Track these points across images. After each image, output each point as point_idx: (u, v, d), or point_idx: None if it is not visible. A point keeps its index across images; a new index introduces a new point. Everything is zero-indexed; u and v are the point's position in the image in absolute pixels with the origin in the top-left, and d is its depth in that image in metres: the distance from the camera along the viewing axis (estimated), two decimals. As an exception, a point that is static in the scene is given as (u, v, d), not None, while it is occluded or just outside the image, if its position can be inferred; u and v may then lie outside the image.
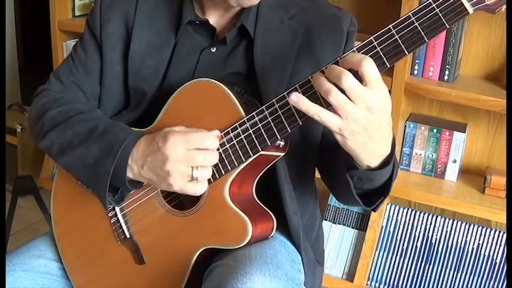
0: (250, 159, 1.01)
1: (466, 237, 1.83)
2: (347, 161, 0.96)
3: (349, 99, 0.85)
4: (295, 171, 1.12)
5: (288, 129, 0.97)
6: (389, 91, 1.72)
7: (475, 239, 1.82)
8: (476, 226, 1.82)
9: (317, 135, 1.13)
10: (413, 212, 1.88)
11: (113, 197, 1.08)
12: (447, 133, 1.80)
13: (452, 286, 1.83)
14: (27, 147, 2.53)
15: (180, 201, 1.11)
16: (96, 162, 1.03)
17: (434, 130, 1.81)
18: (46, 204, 2.18)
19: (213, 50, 1.13)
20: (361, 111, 0.86)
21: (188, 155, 0.97)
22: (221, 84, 1.02)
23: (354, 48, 0.91)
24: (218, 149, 1.00)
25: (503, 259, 1.78)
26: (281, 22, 1.10)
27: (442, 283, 1.84)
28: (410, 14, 0.89)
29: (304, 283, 1.14)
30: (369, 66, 0.84)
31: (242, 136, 1.00)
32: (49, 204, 1.23)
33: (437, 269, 1.85)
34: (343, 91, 0.86)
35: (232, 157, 1.01)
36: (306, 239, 1.17)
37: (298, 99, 0.89)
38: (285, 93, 0.97)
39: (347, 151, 0.93)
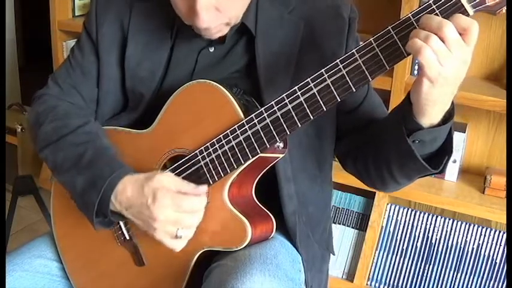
0: (249, 162, 1.01)
1: (466, 237, 1.82)
2: (408, 124, 0.94)
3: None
4: (302, 167, 1.12)
5: (287, 131, 0.97)
6: (389, 91, 1.74)
7: (475, 239, 1.82)
8: (476, 226, 1.82)
9: (331, 127, 1.13)
10: (413, 212, 1.88)
11: (103, 218, 1.08)
12: (447, 133, 1.80)
13: (452, 286, 1.83)
14: (27, 147, 2.52)
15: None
16: (83, 192, 1.05)
17: (435, 130, 1.81)
18: (46, 204, 2.18)
19: (211, 49, 1.12)
20: (458, 62, 0.86)
21: (177, 218, 1.00)
22: (219, 86, 1.02)
23: (353, 50, 0.91)
24: (215, 157, 1.02)
25: (503, 259, 1.78)
26: (281, 17, 1.10)
27: (442, 283, 1.84)
28: (410, 15, 0.88)
29: (311, 281, 1.14)
30: (450, 32, 0.84)
31: (241, 138, 1.00)
32: (49, 204, 1.23)
33: (437, 269, 1.85)
34: None
35: (231, 160, 1.01)
36: (308, 237, 1.17)
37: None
38: (283, 95, 0.97)
39: (419, 105, 0.90)
